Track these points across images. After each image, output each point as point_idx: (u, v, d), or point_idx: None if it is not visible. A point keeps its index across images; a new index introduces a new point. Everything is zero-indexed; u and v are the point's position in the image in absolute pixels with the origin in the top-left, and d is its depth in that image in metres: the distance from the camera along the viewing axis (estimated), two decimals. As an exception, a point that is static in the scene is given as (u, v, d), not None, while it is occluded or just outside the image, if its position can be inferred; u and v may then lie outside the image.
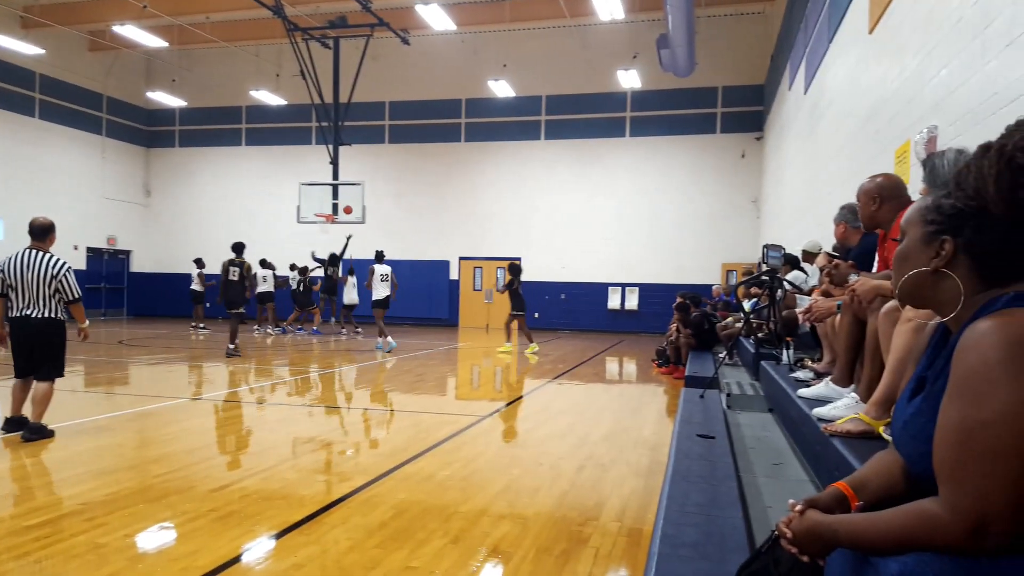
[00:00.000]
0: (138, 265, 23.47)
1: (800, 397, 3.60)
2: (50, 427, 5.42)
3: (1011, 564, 1.09)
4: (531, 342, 13.84)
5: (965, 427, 1.12)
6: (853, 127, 7.61)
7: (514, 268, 13.67)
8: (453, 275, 21.24)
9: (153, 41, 17.75)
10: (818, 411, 3.10)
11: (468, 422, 6.41)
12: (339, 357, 12.30)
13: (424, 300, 21.29)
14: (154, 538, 3.39)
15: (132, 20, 17.35)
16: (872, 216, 3.18)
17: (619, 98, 19.92)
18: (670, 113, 19.68)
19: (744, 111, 19.24)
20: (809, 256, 7.37)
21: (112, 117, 22.50)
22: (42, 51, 18.07)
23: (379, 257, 13.57)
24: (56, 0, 18.12)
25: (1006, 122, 2.56)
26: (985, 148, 1.26)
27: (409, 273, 21.13)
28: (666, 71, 16.19)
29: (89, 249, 21.68)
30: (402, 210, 21.39)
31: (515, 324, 13.89)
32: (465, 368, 11.59)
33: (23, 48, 17.35)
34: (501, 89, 19.13)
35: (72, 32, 19.88)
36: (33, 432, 5.30)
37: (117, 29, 17.33)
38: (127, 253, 23.24)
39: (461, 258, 21.16)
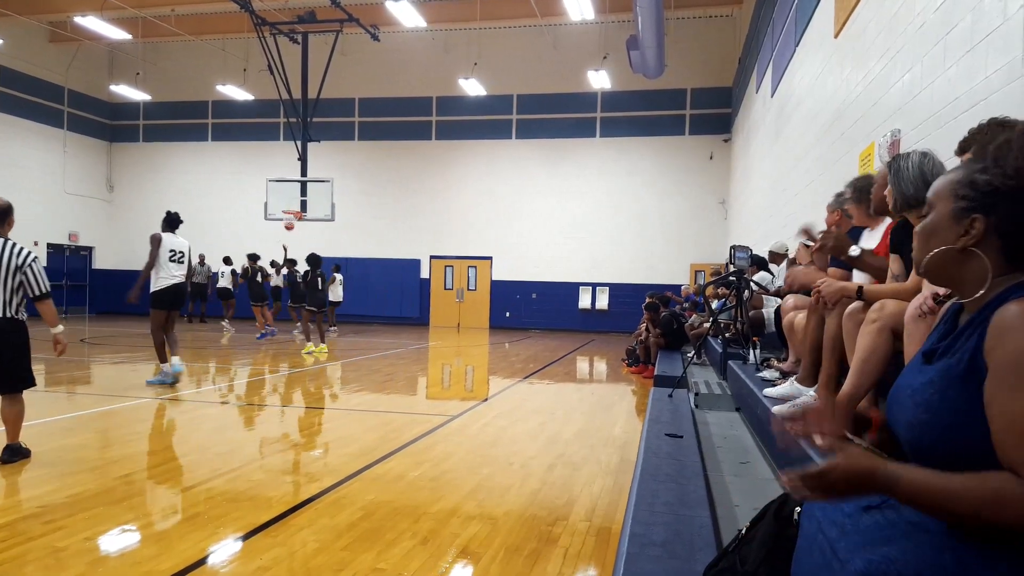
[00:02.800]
0: (101, 262, 22.97)
1: (766, 396, 3.65)
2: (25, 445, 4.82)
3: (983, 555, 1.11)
4: (308, 341, 12.59)
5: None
6: (819, 130, 7.74)
7: (312, 259, 12.72)
8: (424, 274, 21.16)
9: (116, 33, 17.34)
10: (777, 409, 3.14)
11: (439, 422, 6.39)
12: (309, 356, 12.16)
13: (395, 299, 21.18)
14: (116, 541, 3.31)
15: (94, 12, 16.95)
16: (884, 200, 3.15)
17: (590, 98, 20.01)
18: (640, 114, 19.82)
19: (712, 113, 19.45)
20: (776, 257, 7.48)
21: (74, 110, 21.98)
22: (0, 41, 17.59)
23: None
24: (15, -11, 17.65)
25: (967, 126, 2.63)
26: None
27: (379, 272, 21.04)
28: (636, 72, 16.29)
29: (50, 245, 21.16)
30: (372, 208, 21.24)
31: (317, 318, 12.91)
32: (436, 368, 11.55)
33: (-20, 38, 16.87)
34: (472, 87, 19.09)
35: (32, 22, 19.38)
36: (14, 453, 4.64)
37: (79, 20, 16.92)
38: (89, 250, 22.72)
39: (432, 256, 21.08)
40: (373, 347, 13.65)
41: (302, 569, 2.99)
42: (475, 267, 20.85)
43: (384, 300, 21.06)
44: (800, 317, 3.89)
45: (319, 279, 12.75)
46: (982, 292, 1.24)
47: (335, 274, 17.16)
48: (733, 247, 5.68)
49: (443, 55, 20.43)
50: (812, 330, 3.48)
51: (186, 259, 8.44)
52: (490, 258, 20.67)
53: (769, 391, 3.70)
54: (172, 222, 8.53)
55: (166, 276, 8.21)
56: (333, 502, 3.93)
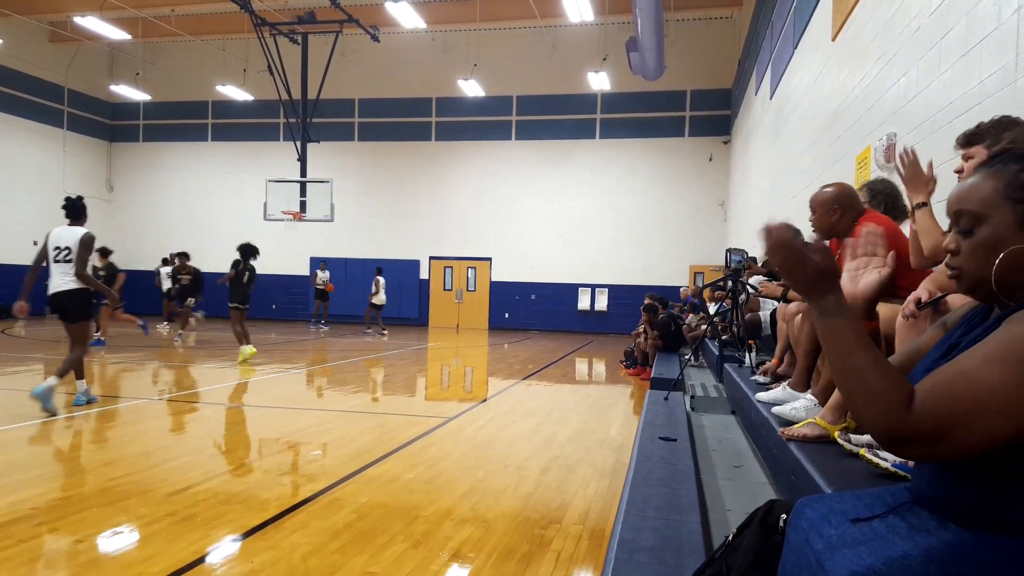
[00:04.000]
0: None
1: (759, 401, 3.65)
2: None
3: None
4: (247, 344, 10.72)
5: (979, 375, 1.10)
6: (816, 132, 7.74)
7: (245, 250, 10.81)
8: (423, 275, 21.15)
9: (116, 33, 17.36)
10: (778, 409, 3.14)
11: (435, 423, 6.38)
12: (305, 356, 12.15)
13: (393, 300, 21.12)
14: (107, 543, 3.31)
15: (94, 11, 16.97)
16: (832, 226, 3.17)
17: (589, 100, 20.01)
18: (639, 116, 19.82)
19: (712, 115, 19.45)
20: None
21: (74, 110, 21.99)
22: (0, 41, 17.59)
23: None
24: (15, -11, 17.66)
25: (962, 130, 2.62)
26: None
27: (378, 272, 21.02)
28: (636, 74, 16.30)
29: (48, 245, 21.16)
30: (371, 208, 21.24)
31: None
32: (434, 369, 11.54)
33: (-20, 38, 16.89)
34: (471, 89, 19.09)
35: (32, 22, 19.39)
36: None
37: (79, 20, 16.93)
38: (88, 249, 22.72)
39: (431, 257, 21.08)
40: (371, 347, 13.64)
41: (294, 572, 2.98)
42: (474, 268, 20.85)
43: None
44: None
45: (248, 273, 10.84)
46: None
47: (378, 277, 17.11)
48: (729, 250, 5.67)
49: (442, 56, 20.43)
50: (807, 333, 3.48)
51: (74, 255, 6.46)
52: (489, 259, 20.67)
53: (762, 395, 3.69)
54: (71, 210, 6.68)
55: (50, 280, 6.55)
56: (327, 504, 3.93)
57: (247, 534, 3.43)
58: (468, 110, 20.70)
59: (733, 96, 18.51)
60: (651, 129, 19.80)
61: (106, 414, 6.60)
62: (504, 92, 20.41)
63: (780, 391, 3.57)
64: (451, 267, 20.97)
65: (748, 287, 5.90)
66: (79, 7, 17.39)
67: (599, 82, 17.91)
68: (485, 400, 8.09)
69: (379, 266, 18.14)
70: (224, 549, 3.26)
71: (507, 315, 20.62)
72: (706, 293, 9.41)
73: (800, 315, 3.76)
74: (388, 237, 21.27)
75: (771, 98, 11.35)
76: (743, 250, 5.74)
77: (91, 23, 16.64)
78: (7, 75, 19.77)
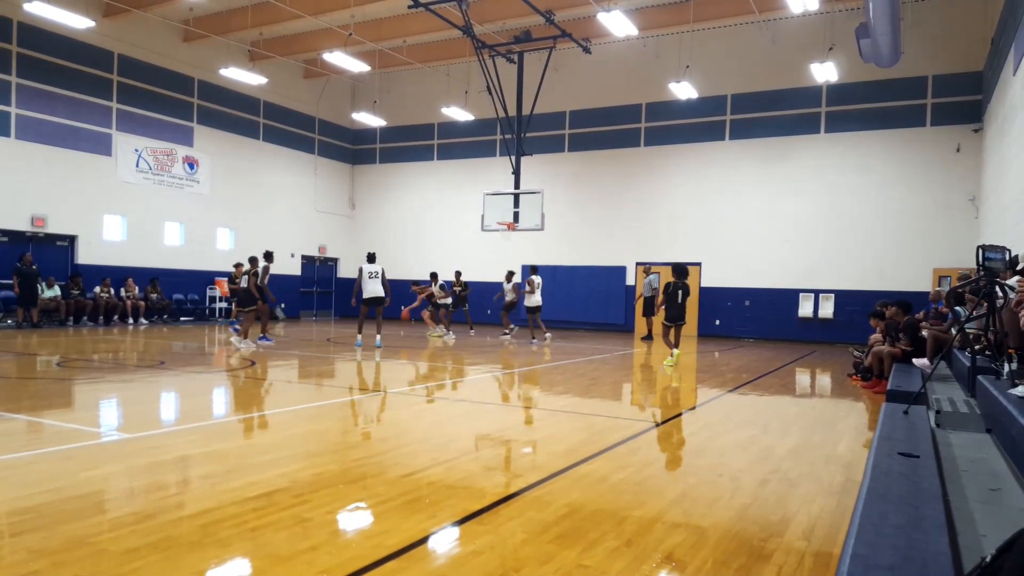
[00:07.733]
0: (345, 271, 25.74)
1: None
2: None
3: None
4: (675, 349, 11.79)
5: None
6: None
7: (680, 269, 12.09)
8: (630, 280, 21.06)
9: (357, 66, 19.39)
10: None
11: (642, 427, 6.33)
12: (519, 358, 12.62)
13: (600, 306, 21.31)
14: (351, 517, 3.70)
15: (339, 47, 19.08)
16: None
17: (813, 93, 18.71)
18: (871, 106, 18.15)
19: (959, 101, 17.28)
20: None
21: (323, 137, 24.91)
22: (265, 80, 20.39)
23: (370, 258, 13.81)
24: (277, 34, 20.36)
25: None
26: None
27: (585, 278, 21.31)
28: (867, 62, 14.95)
29: (303, 256, 24.18)
30: (579, 216, 21.59)
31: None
32: (640, 374, 11.43)
33: (250, 78, 19.72)
34: (683, 91, 18.66)
35: (290, 62, 22.27)
36: None
37: (327, 57, 19.14)
38: (335, 260, 25.58)
39: (638, 263, 20.91)
40: (579, 352, 13.83)
41: (511, 557, 3.12)
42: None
43: (590, 306, 21.28)
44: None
45: (680, 292, 11.98)
46: None
47: (532, 276, 17.22)
48: (982, 247, 4.98)
49: (653, 61, 20.24)
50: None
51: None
52: (699, 264, 20.05)
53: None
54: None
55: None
56: (538, 497, 4.06)
57: (468, 518, 3.65)
58: (679, 113, 20.30)
59: (985, 79, 16.29)
60: (886, 120, 18.03)
61: (349, 404, 7.36)
62: (717, 92, 19.74)
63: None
64: (658, 273, 20.63)
65: (1006, 289, 5.14)
66: (328, 44, 19.68)
67: (824, 73, 16.68)
68: (694, 408, 7.86)
69: (534, 265, 17.85)
70: (448, 530, 3.49)
71: (717, 322, 19.86)
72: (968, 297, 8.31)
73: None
74: (595, 244, 21.48)
75: (1037, 76, 9.83)
76: (1003, 247, 5.00)
77: (337, 58, 18.75)
78: (272, 110, 22.91)
